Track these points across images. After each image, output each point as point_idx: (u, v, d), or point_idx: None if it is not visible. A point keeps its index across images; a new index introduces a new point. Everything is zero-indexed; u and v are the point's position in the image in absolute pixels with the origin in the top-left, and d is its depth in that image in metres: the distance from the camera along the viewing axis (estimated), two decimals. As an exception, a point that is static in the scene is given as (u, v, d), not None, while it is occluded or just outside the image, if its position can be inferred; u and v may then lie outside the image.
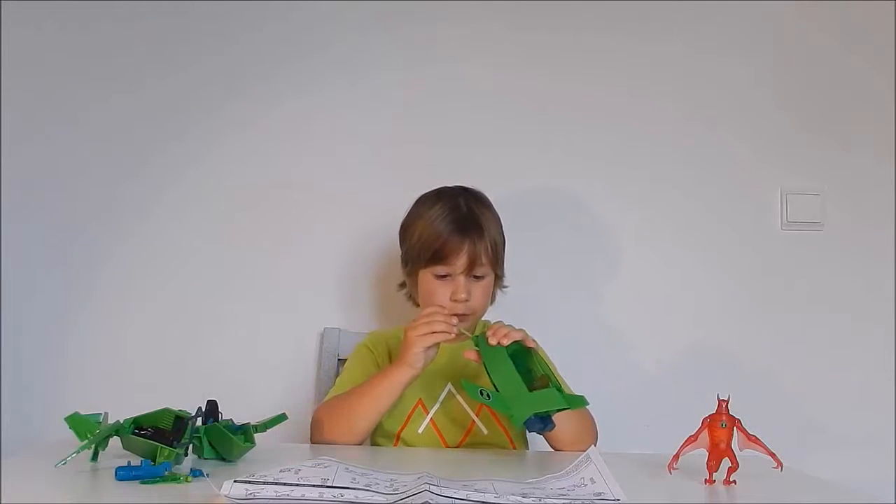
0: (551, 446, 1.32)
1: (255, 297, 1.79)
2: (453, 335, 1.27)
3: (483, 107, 1.82)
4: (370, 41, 1.83)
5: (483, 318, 1.46)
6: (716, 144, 1.82)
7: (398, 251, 1.52)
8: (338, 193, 1.81)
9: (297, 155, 1.82)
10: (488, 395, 1.17)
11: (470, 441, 1.38)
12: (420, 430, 1.39)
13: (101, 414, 1.07)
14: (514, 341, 1.22)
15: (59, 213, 1.80)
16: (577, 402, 1.16)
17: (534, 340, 1.28)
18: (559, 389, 1.15)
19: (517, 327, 1.26)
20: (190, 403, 1.08)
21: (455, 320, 1.28)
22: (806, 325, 1.79)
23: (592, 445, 1.25)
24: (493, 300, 1.49)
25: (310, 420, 1.36)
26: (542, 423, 1.16)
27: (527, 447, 1.45)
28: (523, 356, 1.22)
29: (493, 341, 1.21)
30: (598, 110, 1.82)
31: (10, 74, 1.81)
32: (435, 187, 1.47)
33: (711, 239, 1.81)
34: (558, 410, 1.15)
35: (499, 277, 1.45)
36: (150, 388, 1.73)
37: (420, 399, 1.40)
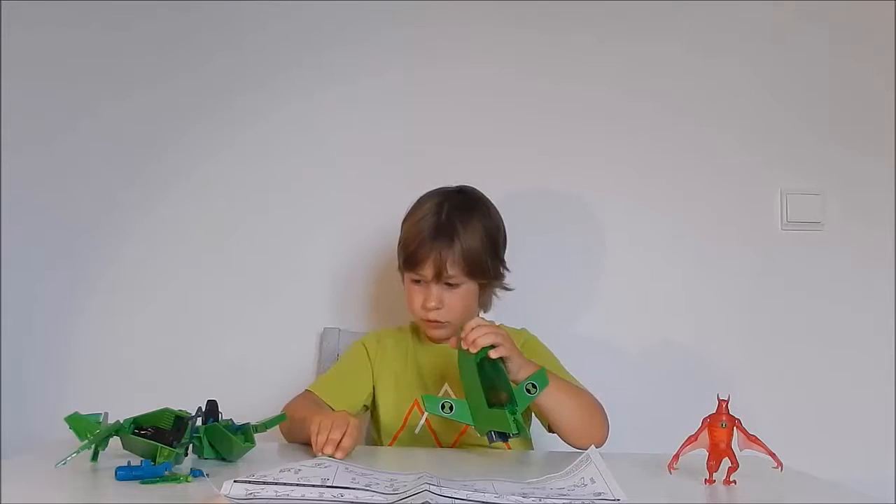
0: (561, 439, 1.31)
1: (255, 297, 1.79)
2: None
3: (481, 107, 1.82)
4: (369, 42, 1.83)
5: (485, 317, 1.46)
6: (716, 144, 1.82)
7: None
8: (338, 193, 1.81)
9: (298, 155, 1.82)
10: (451, 408, 1.19)
11: (463, 442, 1.38)
12: (416, 431, 1.39)
13: (101, 414, 1.07)
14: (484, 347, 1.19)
15: (60, 214, 1.80)
16: (522, 430, 1.16)
17: (531, 335, 1.26)
18: (513, 410, 1.15)
19: (497, 324, 1.25)
20: (190, 403, 1.08)
21: (329, 450, 1.12)
22: (806, 324, 1.79)
23: (604, 434, 1.28)
24: (487, 305, 1.49)
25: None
26: (502, 436, 1.18)
27: (530, 448, 1.44)
28: (492, 363, 1.20)
29: (463, 346, 1.20)
30: (598, 111, 1.82)
31: (11, 75, 1.81)
32: (435, 187, 1.47)
33: (711, 239, 1.81)
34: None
35: (484, 285, 1.42)
36: (150, 388, 1.73)
37: (416, 400, 1.40)
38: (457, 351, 1.23)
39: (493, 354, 1.19)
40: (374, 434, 1.47)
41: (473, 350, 1.18)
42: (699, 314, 1.80)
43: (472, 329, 1.20)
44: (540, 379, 1.18)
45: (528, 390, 1.18)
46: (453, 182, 1.48)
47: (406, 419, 1.40)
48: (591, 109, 1.82)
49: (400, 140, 1.81)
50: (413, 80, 1.83)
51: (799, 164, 1.82)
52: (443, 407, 1.18)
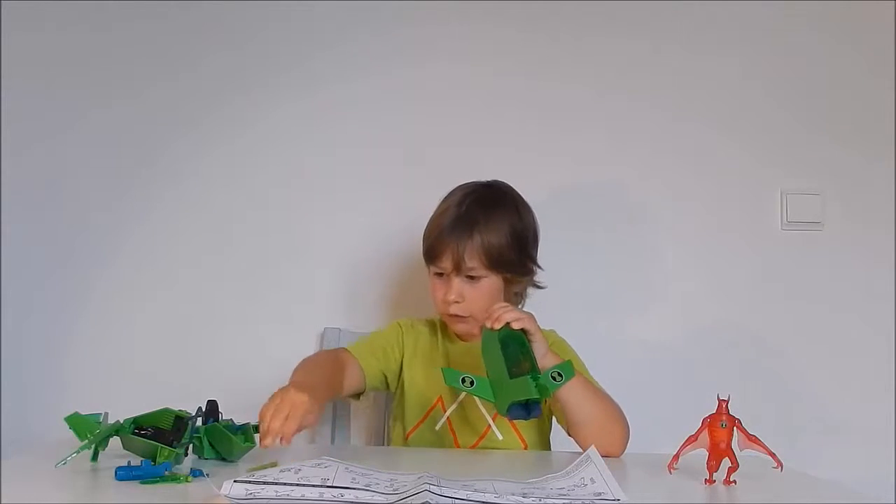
0: (578, 441, 1.26)
1: (255, 297, 1.79)
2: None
3: (483, 108, 1.82)
4: (369, 42, 1.83)
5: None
6: (716, 145, 1.82)
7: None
8: (339, 193, 1.81)
9: (299, 155, 1.82)
10: (471, 382, 1.13)
11: (483, 445, 1.36)
12: (437, 428, 1.38)
13: (101, 414, 1.07)
14: (506, 325, 1.18)
15: (60, 214, 1.80)
16: (545, 391, 1.10)
17: (560, 338, 1.28)
18: (535, 377, 1.10)
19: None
20: (190, 403, 1.08)
21: (268, 441, 1.07)
22: (806, 325, 1.79)
23: (622, 444, 1.24)
24: (517, 303, 1.47)
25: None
26: (526, 410, 1.11)
27: (548, 449, 1.42)
28: (516, 340, 1.18)
29: (487, 324, 1.20)
30: (597, 111, 1.82)
31: (11, 75, 1.81)
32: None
33: (711, 239, 1.81)
34: (531, 400, 1.10)
35: (510, 280, 1.40)
36: (151, 388, 1.72)
37: (440, 396, 1.39)
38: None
39: (515, 325, 1.17)
40: (396, 418, 1.45)
41: (497, 326, 1.17)
42: (698, 314, 1.80)
43: (498, 308, 1.20)
44: (566, 369, 1.14)
45: (554, 377, 1.13)
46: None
47: (428, 413, 1.39)
48: (591, 109, 1.82)
49: (400, 140, 1.81)
50: (413, 80, 1.83)
51: (799, 164, 1.82)
52: (463, 381, 1.13)
